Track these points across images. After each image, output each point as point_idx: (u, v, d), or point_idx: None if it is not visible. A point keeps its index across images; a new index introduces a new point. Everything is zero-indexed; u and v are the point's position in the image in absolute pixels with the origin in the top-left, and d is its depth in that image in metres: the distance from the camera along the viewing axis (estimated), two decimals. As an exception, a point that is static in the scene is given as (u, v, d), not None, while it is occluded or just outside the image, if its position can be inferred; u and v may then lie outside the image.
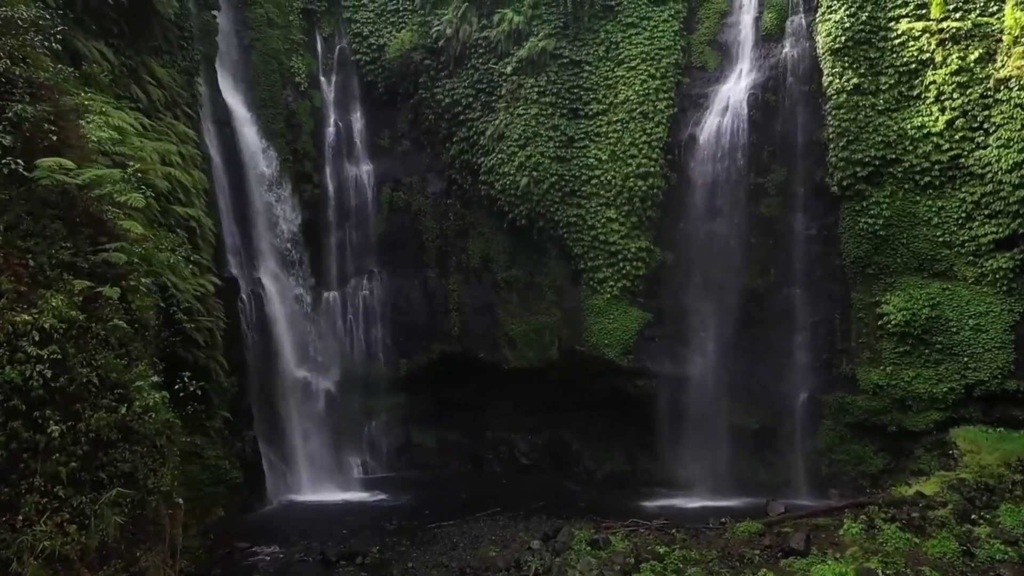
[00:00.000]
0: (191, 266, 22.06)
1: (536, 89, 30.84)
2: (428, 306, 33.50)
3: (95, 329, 10.61)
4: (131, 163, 17.36)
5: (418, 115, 33.70)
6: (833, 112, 27.21)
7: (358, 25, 34.06)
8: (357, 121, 34.58)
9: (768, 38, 29.27)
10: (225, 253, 27.05)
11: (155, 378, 11.28)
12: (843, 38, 27.04)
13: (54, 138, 11.23)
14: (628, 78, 30.26)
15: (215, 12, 29.42)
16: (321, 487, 29.33)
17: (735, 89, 29.23)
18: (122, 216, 12.03)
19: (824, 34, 27.53)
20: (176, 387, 13.09)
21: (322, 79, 34.23)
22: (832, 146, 27.21)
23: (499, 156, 30.99)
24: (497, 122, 31.31)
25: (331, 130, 34.11)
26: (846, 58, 27.07)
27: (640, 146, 29.54)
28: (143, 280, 12.19)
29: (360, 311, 33.23)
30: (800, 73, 28.40)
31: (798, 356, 27.94)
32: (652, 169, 29.36)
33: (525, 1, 31.48)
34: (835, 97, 27.17)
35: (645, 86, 29.89)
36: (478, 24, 32.23)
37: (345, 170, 34.06)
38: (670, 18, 30.51)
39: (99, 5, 19.98)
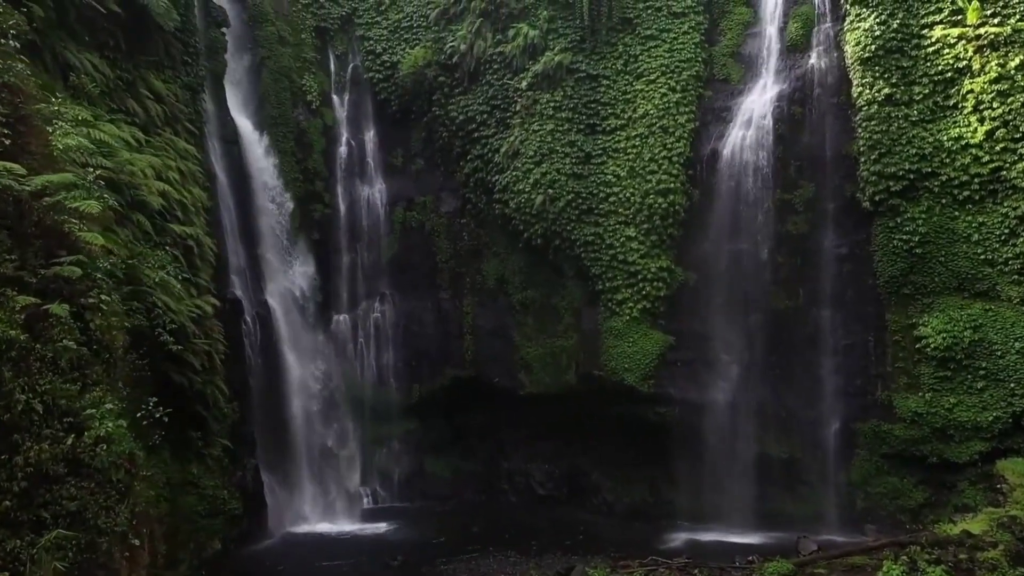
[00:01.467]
0: (189, 286, 21.34)
1: (552, 104, 29.85)
2: (441, 329, 32.38)
3: (40, 351, 9.56)
4: (115, 175, 16.55)
5: (432, 133, 32.86)
6: (864, 124, 25.85)
7: (371, 43, 33.40)
8: (370, 140, 33.79)
9: (794, 49, 28.04)
10: (229, 274, 26.16)
11: (109, 405, 10.18)
12: (873, 47, 25.73)
13: (7, 142, 10.29)
14: (647, 92, 29.16)
15: (224, 29, 28.86)
16: (328, 518, 28.15)
17: (759, 101, 27.99)
18: (84, 227, 11.03)
19: (853, 43, 26.25)
20: (139, 415, 11.97)
21: (334, 97, 33.54)
22: (863, 159, 25.81)
23: (514, 173, 29.98)
24: (512, 139, 30.35)
25: (343, 149, 33.35)
26: (877, 67, 25.74)
27: (660, 162, 28.34)
28: (105, 297, 11.12)
29: (371, 334, 32.19)
30: (828, 84, 27.11)
31: (829, 382, 26.33)
32: (673, 185, 28.12)
33: (541, 15, 30.62)
34: (866, 108, 25.83)
35: (665, 100, 28.77)
36: (493, 39, 31.40)
37: (357, 189, 33.23)
38: (690, 30, 29.45)
39: (93, 16, 19.27)
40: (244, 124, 29.63)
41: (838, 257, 26.53)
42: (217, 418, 22.78)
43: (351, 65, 33.88)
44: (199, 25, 26.90)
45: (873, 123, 25.67)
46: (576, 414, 30.40)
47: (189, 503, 21.07)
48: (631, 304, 28.26)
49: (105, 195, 11.98)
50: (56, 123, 12.21)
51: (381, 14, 33.66)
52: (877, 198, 25.55)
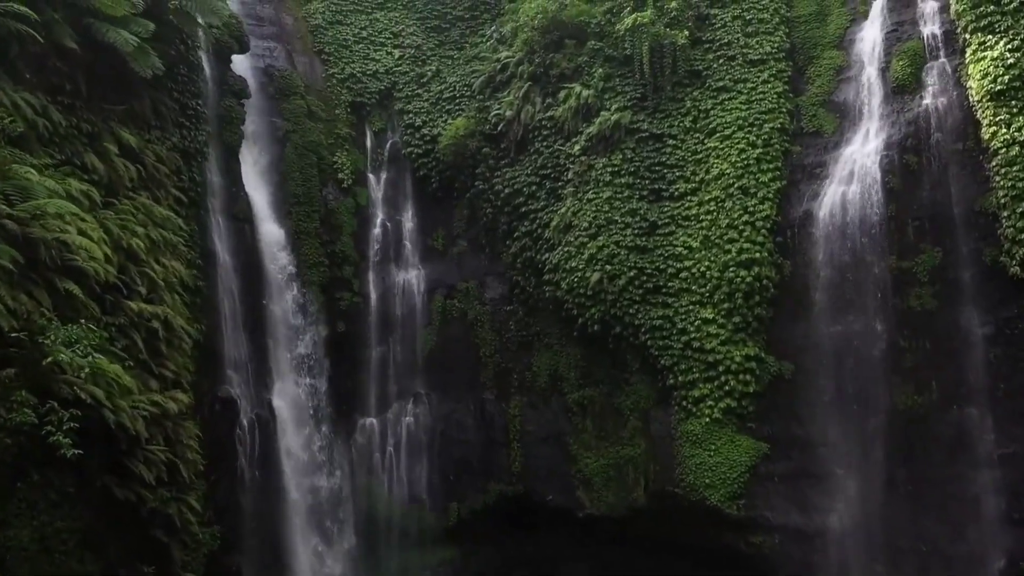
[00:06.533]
0: (148, 378, 17.33)
1: (609, 169, 25.73)
2: (484, 435, 27.41)
3: None
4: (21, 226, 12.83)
5: (475, 210, 29.05)
6: (1003, 171, 20.55)
7: (411, 116, 30.30)
8: (408, 221, 30.12)
9: (901, 90, 23.37)
10: (224, 368, 22.20)
11: None
12: (1007, 78, 20.82)
13: None
14: (722, 149, 24.80)
15: (244, 100, 26.17)
16: (338, 673, 22.74)
17: (862, 152, 23.25)
18: None
19: (979, 76, 21.36)
20: None
21: (370, 176, 30.22)
22: (1006, 214, 20.36)
23: (566, 249, 25.63)
24: (563, 211, 26.22)
25: (377, 231, 29.71)
26: (1013, 102, 20.68)
27: (741, 228, 23.51)
28: None
29: (403, 442, 27.39)
30: (949, 127, 22.17)
31: (986, 504, 19.96)
32: (758, 255, 23.15)
33: (595, 74, 27.02)
34: (1004, 152, 20.58)
35: (744, 156, 24.31)
36: (542, 104, 27.91)
37: (391, 275, 29.29)
38: (771, 79, 25.36)
39: (42, 54, 16.24)
40: (261, 202, 26.40)
41: (983, 339, 20.70)
42: (186, 545, 18.16)
43: (389, 142, 30.74)
44: (209, 92, 24.21)
45: (1015, 169, 20.36)
46: (649, 543, 24.76)
47: (135, 664, 16.24)
48: (711, 402, 22.92)
49: None
50: None
51: (423, 86, 30.75)
52: (1030, 261, 19.84)
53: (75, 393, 14.00)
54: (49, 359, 12.22)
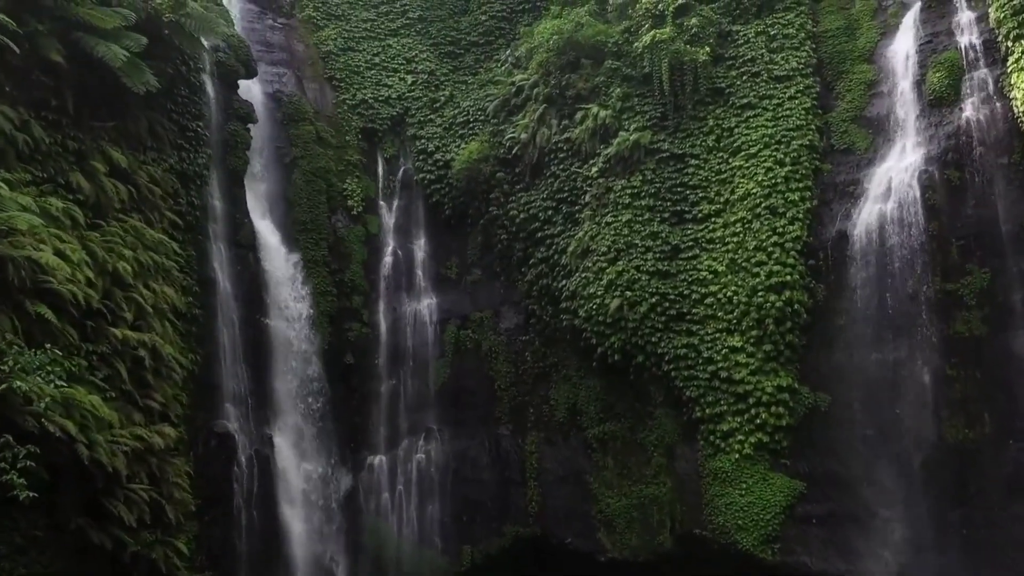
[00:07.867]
0: (132, 410, 16.18)
1: (629, 191, 24.50)
2: (499, 474, 25.82)
3: None
4: None
5: (489, 237, 27.88)
6: (1054, 185, 18.99)
7: (423, 142, 29.37)
8: (420, 249, 28.99)
9: (939, 103, 22.00)
10: (222, 402, 21.04)
11: None
12: (1054, 86, 19.28)
13: None
14: (748, 168, 23.53)
15: (250, 125, 25.44)
16: None
17: (898, 168, 21.85)
18: None
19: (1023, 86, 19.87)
20: None
21: (381, 203, 29.22)
22: (1060, 231, 18.75)
23: (583, 275, 24.32)
24: (581, 235, 24.98)
25: (388, 259, 28.58)
26: (1062, 111, 19.16)
27: (769, 250, 22.10)
28: None
29: (413, 481, 25.88)
30: (992, 140, 20.74)
31: (1052, 550, 18.05)
32: (788, 279, 21.67)
33: (613, 94, 25.96)
34: (1053, 164, 19.06)
35: (771, 175, 23.01)
36: (559, 126, 26.83)
37: (403, 305, 28.08)
38: (798, 94, 24.15)
39: (24, 67, 15.40)
40: (266, 229, 25.51)
41: (1040, 366, 18.95)
42: (172, 594, 16.80)
43: (402, 168, 29.77)
44: (212, 115, 23.51)
45: (1068, 182, 18.80)
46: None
47: None
48: (741, 437, 21.25)
49: None
50: None
51: (436, 112, 29.88)
52: (1089, 282, 18.22)
53: (42, 426, 12.87)
54: (3, 386, 11.04)
